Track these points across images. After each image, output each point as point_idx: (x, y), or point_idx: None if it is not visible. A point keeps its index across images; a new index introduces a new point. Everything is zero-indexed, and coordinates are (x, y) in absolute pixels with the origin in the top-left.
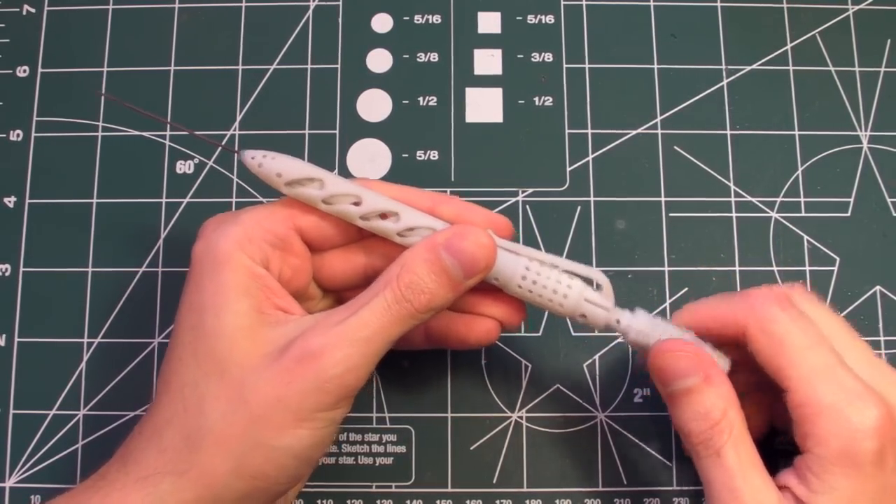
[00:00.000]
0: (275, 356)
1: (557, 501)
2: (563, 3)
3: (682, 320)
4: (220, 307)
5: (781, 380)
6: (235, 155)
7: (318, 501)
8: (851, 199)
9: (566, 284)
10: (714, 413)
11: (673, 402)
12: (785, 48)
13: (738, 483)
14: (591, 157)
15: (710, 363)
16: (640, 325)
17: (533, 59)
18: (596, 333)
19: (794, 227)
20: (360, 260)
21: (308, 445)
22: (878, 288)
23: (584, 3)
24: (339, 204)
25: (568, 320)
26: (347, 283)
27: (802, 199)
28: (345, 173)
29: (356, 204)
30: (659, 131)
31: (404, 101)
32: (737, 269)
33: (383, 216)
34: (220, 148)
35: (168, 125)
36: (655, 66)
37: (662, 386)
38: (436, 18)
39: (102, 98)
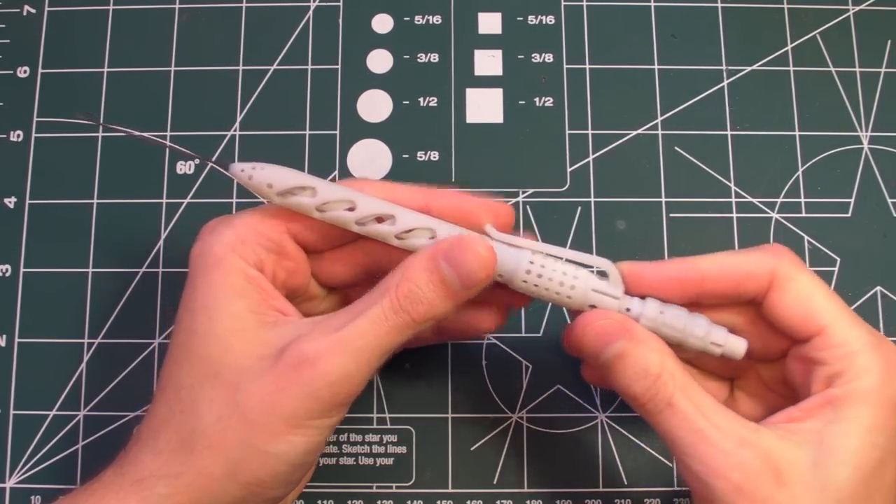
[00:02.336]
0: (270, 360)
1: (558, 502)
2: (563, 3)
3: (689, 277)
4: (212, 309)
5: (812, 323)
6: (219, 166)
7: (319, 502)
8: (852, 200)
9: (572, 275)
10: (652, 368)
11: (610, 373)
12: (785, 49)
13: (699, 424)
14: (591, 157)
15: (631, 324)
16: (650, 312)
17: (533, 60)
18: None
19: (794, 228)
20: (359, 257)
21: (302, 452)
22: (878, 288)
23: (584, 3)
24: (333, 210)
25: (568, 318)
26: (349, 280)
27: (803, 200)
28: (345, 174)
29: (350, 209)
30: (659, 132)
31: (405, 102)
32: None
33: (379, 220)
34: (203, 161)
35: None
36: (656, 67)
37: (595, 360)
38: (436, 19)
39: (102, 98)
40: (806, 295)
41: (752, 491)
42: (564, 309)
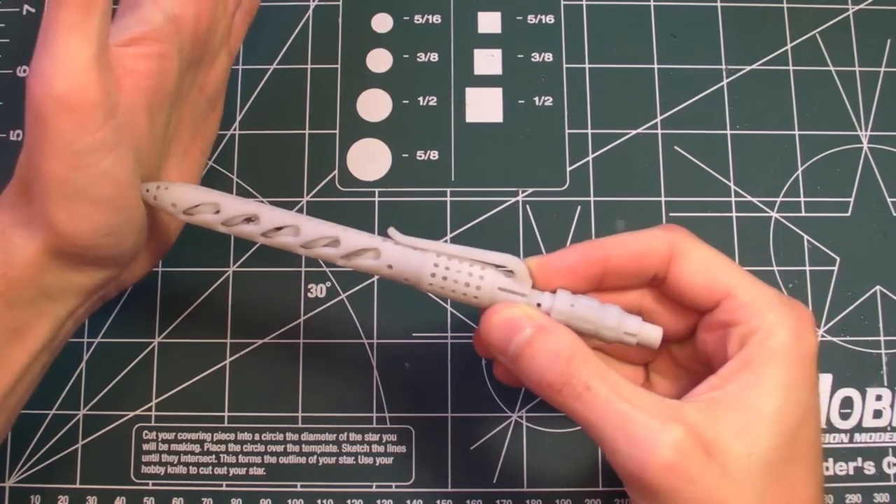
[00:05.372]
0: None
1: (557, 501)
2: (563, 2)
3: (594, 257)
4: None
5: (717, 288)
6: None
7: (318, 501)
8: (851, 199)
9: (478, 276)
10: (563, 351)
11: (520, 364)
12: (785, 48)
13: (621, 406)
14: (591, 156)
15: (535, 312)
16: (561, 305)
17: (533, 59)
18: None
19: (794, 227)
20: None
21: (128, 174)
22: (878, 288)
23: (584, 2)
24: (238, 225)
25: None
26: None
27: (802, 199)
28: (345, 173)
29: (254, 222)
30: (659, 131)
31: (404, 101)
32: None
33: (279, 230)
34: None
35: None
36: (655, 66)
37: (503, 354)
38: (436, 18)
39: None
40: (706, 262)
41: (686, 468)
42: None
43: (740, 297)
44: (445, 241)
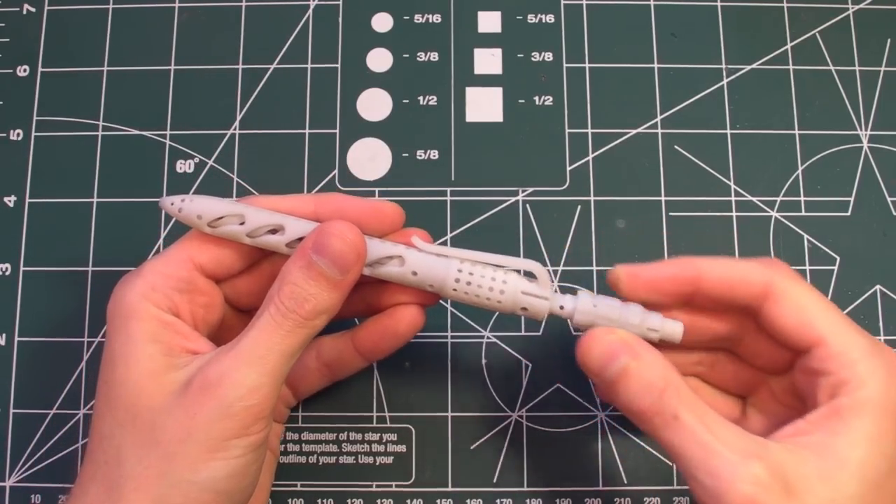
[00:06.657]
0: (179, 393)
1: (558, 501)
2: (563, 2)
3: (686, 275)
4: (128, 356)
5: (809, 333)
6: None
7: (319, 501)
8: (851, 199)
9: (501, 280)
10: (657, 382)
11: (614, 391)
12: (785, 47)
13: (706, 438)
14: (591, 156)
15: (634, 340)
16: (584, 306)
17: (533, 59)
18: None
19: (794, 227)
20: (269, 278)
21: (224, 477)
22: (878, 287)
23: (584, 2)
24: (262, 236)
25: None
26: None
27: (802, 199)
28: (345, 173)
29: (280, 233)
30: (659, 131)
31: (404, 101)
32: None
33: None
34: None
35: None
36: (655, 66)
37: (598, 377)
38: (436, 18)
39: (102, 97)
40: (802, 305)
41: (764, 502)
42: None
43: (832, 347)
44: (449, 242)
